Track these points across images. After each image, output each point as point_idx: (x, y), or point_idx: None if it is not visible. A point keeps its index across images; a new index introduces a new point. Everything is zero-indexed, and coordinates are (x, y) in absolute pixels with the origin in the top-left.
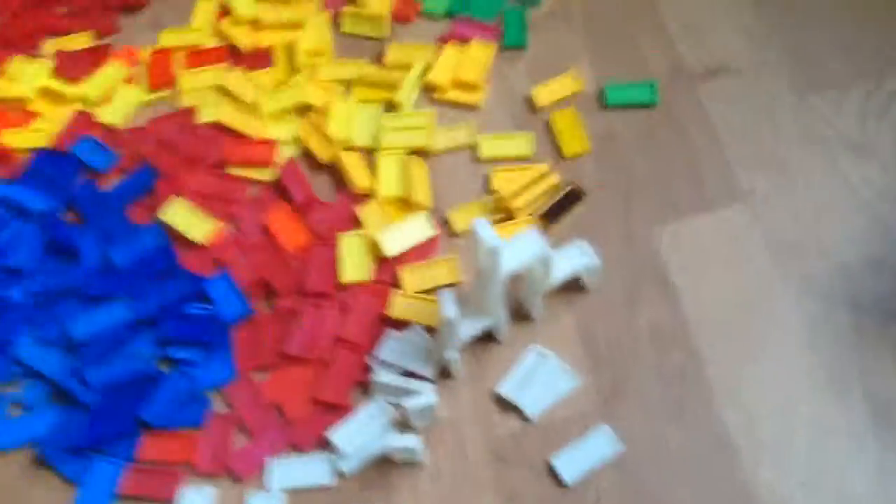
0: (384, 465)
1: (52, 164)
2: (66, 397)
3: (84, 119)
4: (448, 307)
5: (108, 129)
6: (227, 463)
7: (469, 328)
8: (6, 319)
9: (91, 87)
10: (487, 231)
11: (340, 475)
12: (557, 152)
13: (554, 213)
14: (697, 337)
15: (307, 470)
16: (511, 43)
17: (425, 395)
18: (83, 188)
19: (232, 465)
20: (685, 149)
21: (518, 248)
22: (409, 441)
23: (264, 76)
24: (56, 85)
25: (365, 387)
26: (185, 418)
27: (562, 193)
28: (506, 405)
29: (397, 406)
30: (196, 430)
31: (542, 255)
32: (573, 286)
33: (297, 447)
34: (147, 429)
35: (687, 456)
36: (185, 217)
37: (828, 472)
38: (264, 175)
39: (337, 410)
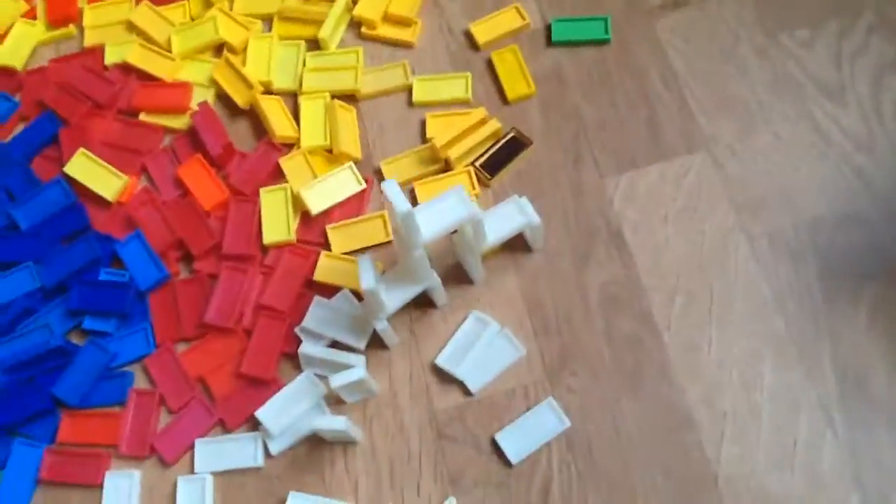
0: (317, 443)
1: None
2: None
3: None
4: (366, 277)
5: (5, 71)
6: (152, 444)
7: (398, 297)
8: None
9: None
10: (397, 194)
11: (270, 456)
12: (500, 95)
13: (495, 164)
14: (653, 300)
15: (235, 451)
16: None
17: (353, 371)
18: None
19: (157, 446)
20: (641, 91)
21: (439, 210)
22: (338, 423)
23: (176, 11)
24: None
25: (294, 359)
26: (106, 396)
27: (503, 141)
28: (445, 377)
29: (327, 380)
30: (119, 408)
31: (469, 217)
32: (518, 245)
33: (225, 426)
34: (66, 408)
35: (643, 431)
36: (93, 172)
37: (795, 445)
38: (179, 122)
39: (264, 385)
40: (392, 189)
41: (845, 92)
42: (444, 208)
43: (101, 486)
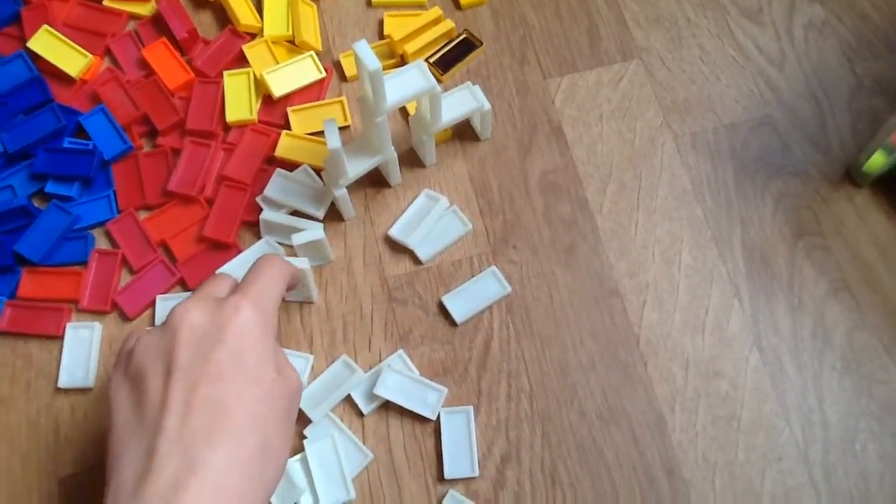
0: None
1: None
2: None
3: None
4: (331, 138)
5: None
6: (114, 300)
7: (358, 165)
8: None
9: None
10: (367, 53)
11: None
12: (454, 3)
13: (447, 62)
14: (588, 187)
15: None
16: None
17: (313, 230)
18: None
19: (119, 301)
20: (582, 4)
21: (403, 80)
22: (301, 262)
23: None
24: None
25: (254, 228)
26: (68, 255)
27: (455, 42)
28: (397, 248)
29: (287, 246)
30: (81, 267)
31: (429, 88)
32: (467, 135)
33: (186, 285)
34: (28, 265)
35: (574, 299)
36: (57, 48)
37: (707, 313)
38: (143, 9)
39: (224, 249)
40: (363, 48)
41: (762, 14)
42: (407, 78)
43: (61, 337)
